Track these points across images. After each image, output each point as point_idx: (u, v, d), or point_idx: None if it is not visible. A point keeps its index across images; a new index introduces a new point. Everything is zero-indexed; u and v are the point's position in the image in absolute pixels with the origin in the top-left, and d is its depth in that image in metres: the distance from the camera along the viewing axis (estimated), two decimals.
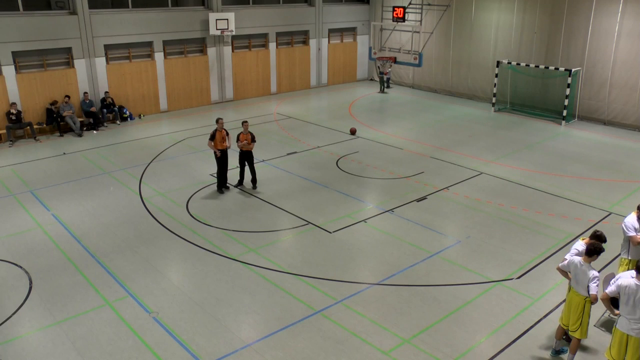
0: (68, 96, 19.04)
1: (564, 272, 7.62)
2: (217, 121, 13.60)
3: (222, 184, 13.85)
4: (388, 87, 27.17)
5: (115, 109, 20.40)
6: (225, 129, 13.64)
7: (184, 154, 16.86)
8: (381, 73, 26.50)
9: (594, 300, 7.15)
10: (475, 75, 24.70)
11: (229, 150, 13.84)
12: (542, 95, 22.19)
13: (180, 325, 8.53)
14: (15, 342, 8.13)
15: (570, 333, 7.62)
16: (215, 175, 14.06)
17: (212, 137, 13.47)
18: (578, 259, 7.36)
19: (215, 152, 13.51)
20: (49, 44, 18.80)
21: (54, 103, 18.87)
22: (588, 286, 7.14)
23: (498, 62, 22.63)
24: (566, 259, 7.72)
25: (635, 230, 8.22)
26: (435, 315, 8.79)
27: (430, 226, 11.99)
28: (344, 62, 28.50)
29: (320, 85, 27.78)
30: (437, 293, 9.43)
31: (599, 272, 7.28)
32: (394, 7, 22.29)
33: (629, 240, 8.32)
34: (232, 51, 23.97)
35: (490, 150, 17.45)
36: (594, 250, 7.20)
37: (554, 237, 11.51)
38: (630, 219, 8.30)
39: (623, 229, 8.34)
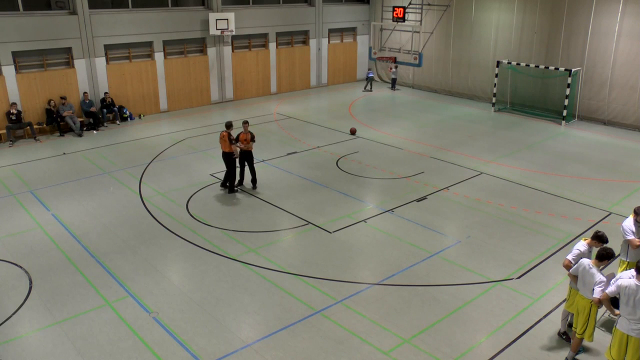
0: (64, 97, 19.01)
1: (575, 277, 7.56)
2: (228, 125, 13.52)
3: (224, 185, 13.88)
4: (370, 88, 26.75)
5: (115, 109, 20.39)
6: (230, 133, 13.49)
7: (184, 154, 16.86)
8: (369, 73, 26.63)
9: (596, 303, 7.12)
10: (475, 75, 24.70)
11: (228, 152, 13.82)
12: (542, 95, 22.18)
13: (180, 325, 8.53)
14: (15, 342, 8.13)
15: (577, 336, 7.60)
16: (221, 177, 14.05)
17: (237, 140, 13.48)
18: (587, 261, 7.33)
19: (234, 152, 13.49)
20: (49, 44, 18.79)
21: (50, 101, 18.83)
22: (593, 289, 7.12)
23: (498, 62, 22.62)
24: (571, 261, 7.69)
25: (633, 233, 8.22)
26: (435, 315, 8.79)
27: (430, 226, 11.99)
28: (344, 62, 28.51)
29: (320, 85, 27.78)
30: (437, 293, 9.43)
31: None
32: (394, 7, 22.24)
33: (627, 243, 8.34)
34: (232, 51, 23.96)
35: (490, 150, 17.45)
36: (605, 255, 7.17)
37: (554, 237, 11.51)
38: (628, 223, 8.30)
39: (622, 232, 8.37)
